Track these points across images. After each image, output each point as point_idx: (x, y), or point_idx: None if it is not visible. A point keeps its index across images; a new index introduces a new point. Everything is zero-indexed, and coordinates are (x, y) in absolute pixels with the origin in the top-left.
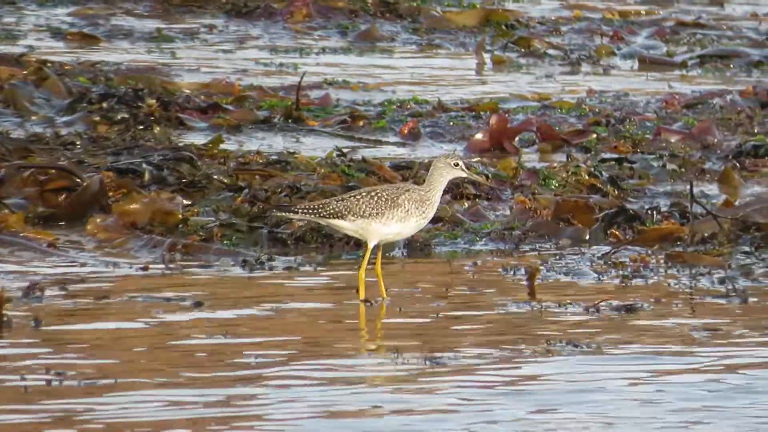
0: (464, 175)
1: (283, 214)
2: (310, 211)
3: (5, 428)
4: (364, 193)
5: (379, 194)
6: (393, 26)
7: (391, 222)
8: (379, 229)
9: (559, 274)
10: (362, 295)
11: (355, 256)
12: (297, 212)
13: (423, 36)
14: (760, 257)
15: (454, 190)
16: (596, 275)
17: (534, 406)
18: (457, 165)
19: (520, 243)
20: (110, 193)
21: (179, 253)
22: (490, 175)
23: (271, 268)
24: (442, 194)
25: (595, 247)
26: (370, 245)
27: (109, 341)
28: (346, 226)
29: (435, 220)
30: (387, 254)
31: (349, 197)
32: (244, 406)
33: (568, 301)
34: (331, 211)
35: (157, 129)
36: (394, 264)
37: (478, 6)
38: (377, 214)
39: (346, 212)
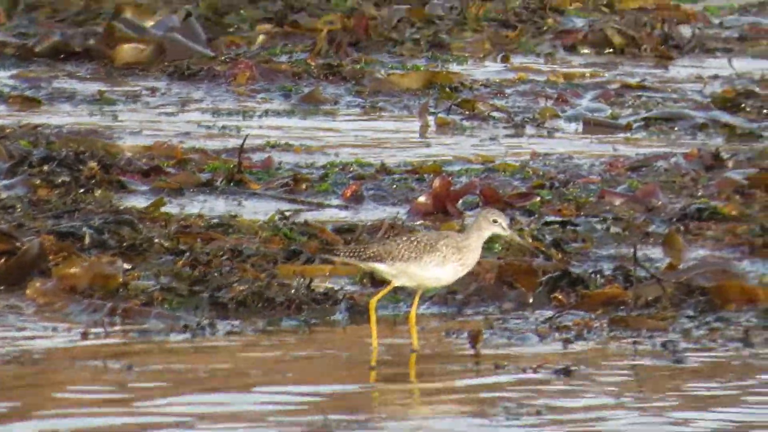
0: (503, 234)
1: (328, 257)
2: (352, 254)
3: None
4: (404, 238)
5: (419, 239)
6: (336, 89)
7: (429, 266)
8: (417, 272)
9: (502, 338)
10: (415, 343)
11: (297, 321)
12: (339, 255)
13: (366, 98)
14: (704, 321)
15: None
16: (539, 338)
17: None
18: (495, 222)
19: (464, 307)
20: (50, 257)
21: (119, 317)
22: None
23: (213, 333)
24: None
25: (538, 311)
26: (418, 292)
27: None
28: (386, 269)
29: (377, 283)
30: (328, 317)
31: (390, 241)
32: None
33: (506, 363)
34: (371, 254)
35: (98, 192)
36: (336, 328)
37: (422, 68)
38: (415, 258)
39: (386, 255)
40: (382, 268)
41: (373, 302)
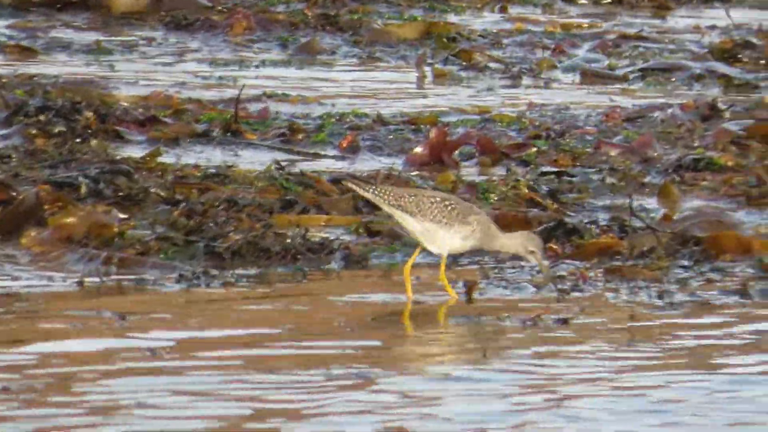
0: (532, 261)
1: (354, 185)
2: (383, 194)
3: None
4: (439, 199)
5: (453, 206)
6: (334, 39)
7: (456, 236)
8: (443, 237)
9: (498, 287)
10: (452, 292)
11: (291, 269)
12: (368, 190)
13: (364, 49)
14: (698, 271)
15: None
16: (535, 289)
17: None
18: (532, 252)
19: (459, 257)
20: (46, 207)
21: (115, 266)
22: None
23: (208, 283)
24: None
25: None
26: (444, 254)
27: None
28: (413, 224)
29: (373, 233)
30: (323, 267)
31: (424, 197)
32: None
33: (506, 315)
34: (403, 204)
35: (94, 142)
36: (331, 277)
37: (419, 19)
38: (447, 224)
39: (417, 211)
40: (410, 221)
41: (407, 269)
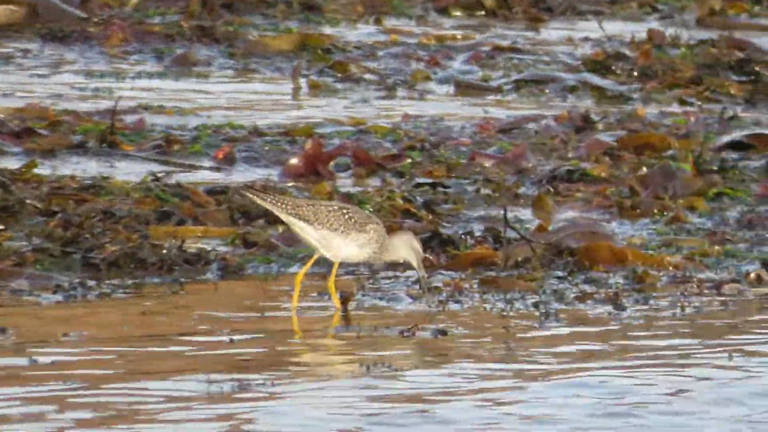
0: (413, 264)
1: (252, 195)
2: (279, 204)
3: None
4: (336, 207)
5: (350, 214)
6: (209, 51)
7: (352, 244)
8: (340, 245)
9: (375, 298)
10: (337, 303)
11: (167, 279)
12: (266, 200)
13: (239, 60)
14: (573, 282)
15: (268, 215)
16: (411, 300)
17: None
18: (410, 257)
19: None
20: None
21: None
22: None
23: (85, 294)
24: None
25: (409, 271)
26: (336, 262)
27: None
28: (310, 232)
29: (250, 244)
30: (199, 277)
31: (320, 205)
32: None
33: (384, 325)
34: (300, 213)
35: None
36: (207, 286)
37: (294, 31)
38: (343, 231)
39: (314, 219)
40: (307, 229)
41: (299, 276)
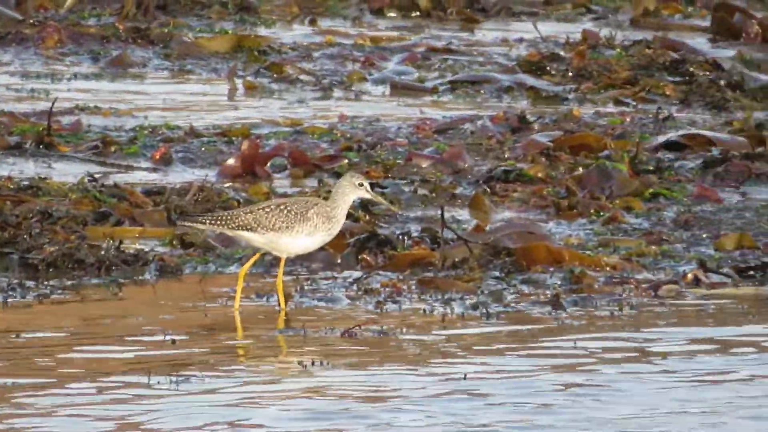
0: (368, 196)
1: (191, 224)
2: (219, 222)
3: None
4: (273, 206)
5: (289, 208)
6: (145, 52)
7: (300, 236)
8: (289, 242)
9: (313, 300)
10: (283, 304)
11: (105, 280)
12: (205, 222)
13: (175, 62)
14: (510, 283)
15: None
16: (350, 301)
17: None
18: (361, 185)
19: (273, 267)
20: None
21: None
22: (394, 203)
23: (23, 295)
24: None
25: (346, 271)
26: (283, 257)
27: None
28: (256, 238)
29: (187, 244)
30: (138, 277)
31: (258, 210)
32: None
33: (323, 327)
34: (241, 223)
35: None
36: (146, 286)
37: (230, 32)
38: (287, 227)
39: (256, 225)
40: (253, 237)
41: (242, 272)
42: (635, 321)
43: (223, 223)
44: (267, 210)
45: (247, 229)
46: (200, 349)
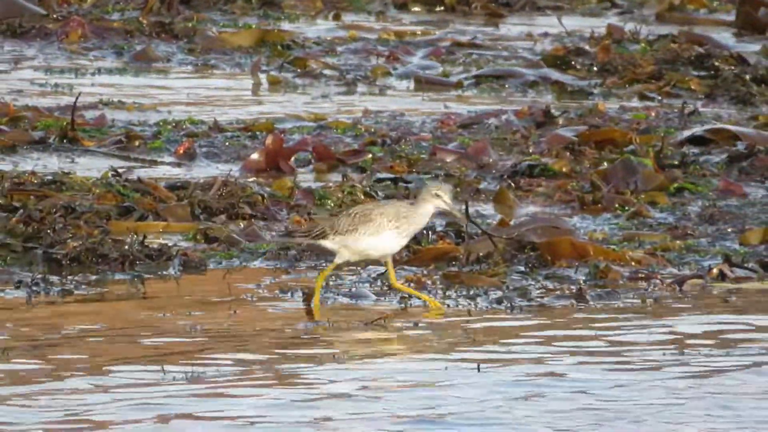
0: (444, 207)
1: (285, 240)
2: (304, 234)
3: None
4: (348, 211)
5: (357, 211)
6: (169, 47)
7: (363, 237)
8: (352, 244)
9: (338, 295)
10: (425, 297)
11: (130, 275)
12: (295, 236)
13: (199, 56)
14: (535, 277)
15: (230, 211)
16: (376, 297)
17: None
18: (437, 196)
19: (297, 262)
20: None
21: None
22: (473, 220)
23: (47, 290)
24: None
25: (371, 266)
26: (337, 260)
27: None
28: (328, 245)
29: (211, 239)
30: (161, 272)
31: (337, 216)
32: None
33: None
34: (318, 232)
35: None
36: (169, 281)
37: (253, 27)
38: (351, 230)
39: (329, 231)
40: (326, 244)
41: (321, 279)
42: (659, 312)
43: (307, 234)
44: (341, 215)
45: (322, 237)
46: (220, 343)
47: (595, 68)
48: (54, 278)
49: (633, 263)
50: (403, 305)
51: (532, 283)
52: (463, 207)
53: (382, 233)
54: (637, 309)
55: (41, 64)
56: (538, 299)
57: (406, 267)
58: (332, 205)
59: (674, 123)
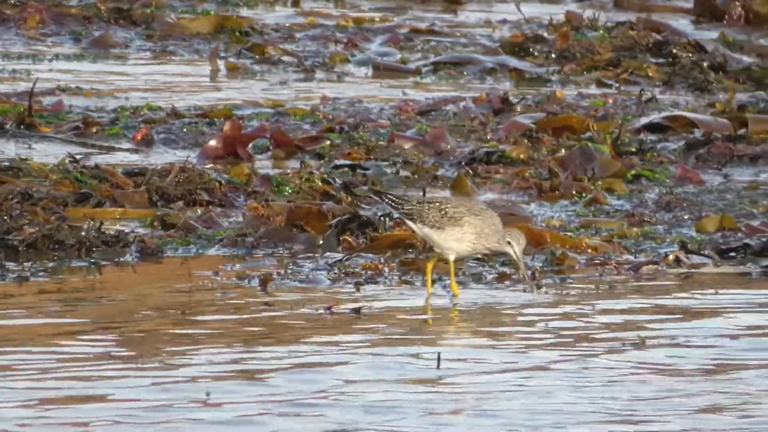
0: (512, 255)
1: (374, 196)
2: (395, 203)
3: None
4: (437, 203)
5: (447, 210)
6: (127, 33)
7: (448, 239)
8: (436, 240)
9: (294, 281)
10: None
11: (86, 262)
12: (384, 199)
13: (157, 43)
14: (491, 264)
15: (187, 197)
16: (330, 282)
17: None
18: (509, 243)
19: (254, 249)
20: None
21: None
22: (535, 279)
23: (3, 276)
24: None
25: (328, 253)
26: (450, 258)
27: None
28: (414, 228)
29: (168, 226)
30: (119, 259)
31: (426, 203)
32: None
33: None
34: (407, 210)
35: None
36: (126, 268)
37: (212, 13)
38: (438, 228)
39: (417, 216)
40: (411, 226)
41: (430, 266)
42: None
43: (397, 205)
44: (429, 205)
45: (410, 218)
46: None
47: (553, 55)
48: (10, 264)
49: (590, 250)
50: (356, 291)
51: (488, 269)
52: (527, 263)
53: (463, 243)
54: (589, 295)
55: None
56: (493, 284)
57: (362, 254)
58: (290, 192)
59: (632, 110)
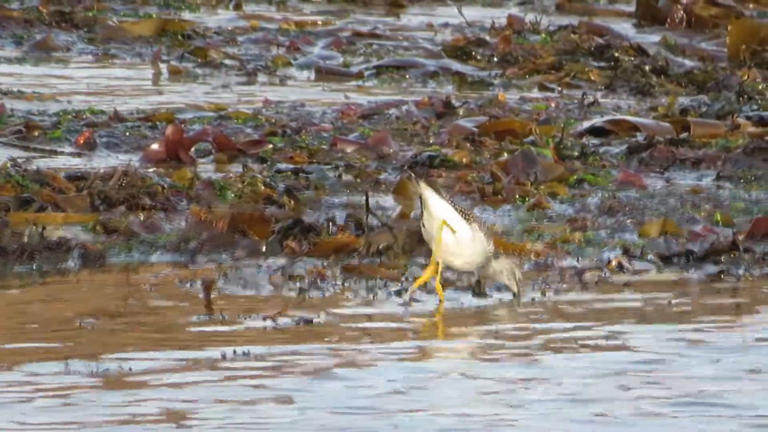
0: (513, 285)
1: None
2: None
3: None
4: (480, 218)
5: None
6: (69, 36)
7: (486, 249)
8: (481, 250)
9: (237, 286)
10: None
11: (28, 268)
12: (437, 193)
13: (99, 46)
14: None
15: (130, 201)
16: (273, 287)
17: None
18: (512, 272)
19: (196, 255)
20: None
21: None
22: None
23: None
24: None
25: (271, 258)
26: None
27: None
28: (458, 229)
29: (110, 231)
30: (60, 265)
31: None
32: None
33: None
34: (464, 213)
35: None
36: (68, 276)
37: (154, 16)
38: (487, 237)
39: (471, 221)
40: (458, 226)
41: (438, 273)
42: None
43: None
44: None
45: (466, 220)
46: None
47: (495, 59)
48: None
49: (533, 255)
50: (302, 297)
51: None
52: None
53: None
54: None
55: None
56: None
57: (305, 258)
58: (232, 196)
59: (574, 114)
